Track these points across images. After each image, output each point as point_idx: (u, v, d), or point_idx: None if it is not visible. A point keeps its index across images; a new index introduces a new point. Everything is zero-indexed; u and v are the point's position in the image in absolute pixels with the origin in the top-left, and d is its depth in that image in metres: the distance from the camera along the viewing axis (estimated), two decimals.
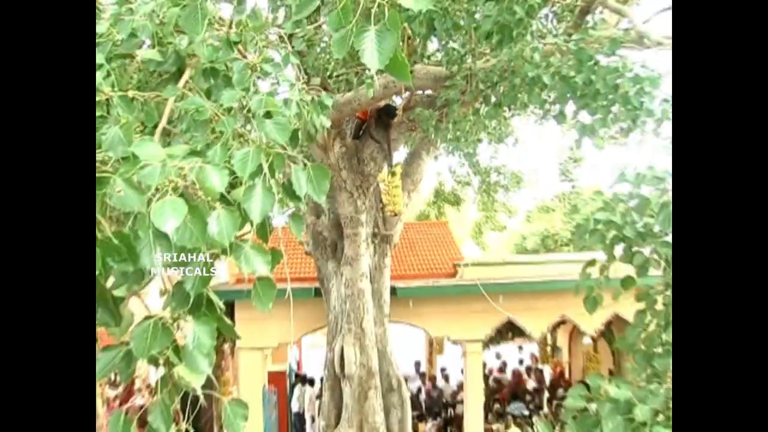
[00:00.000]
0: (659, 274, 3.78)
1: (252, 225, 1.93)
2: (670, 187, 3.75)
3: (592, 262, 3.84)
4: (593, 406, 2.85)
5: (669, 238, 3.78)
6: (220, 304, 1.90)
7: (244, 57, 2.80)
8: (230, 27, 2.68)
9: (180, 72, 2.46)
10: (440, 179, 17.30)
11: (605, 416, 2.59)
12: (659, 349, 2.95)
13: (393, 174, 9.25)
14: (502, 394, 14.57)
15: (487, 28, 4.77)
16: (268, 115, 1.99)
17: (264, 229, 2.31)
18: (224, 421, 1.81)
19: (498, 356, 17.90)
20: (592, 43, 5.32)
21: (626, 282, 3.72)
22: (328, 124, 3.19)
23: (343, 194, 9.39)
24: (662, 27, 6.26)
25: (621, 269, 3.99)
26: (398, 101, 9.42)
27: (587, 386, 3.07)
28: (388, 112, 9.00)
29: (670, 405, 2.53)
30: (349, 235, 9.50)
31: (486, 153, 13.83)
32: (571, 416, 2.93)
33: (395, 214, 9.76)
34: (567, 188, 16.72)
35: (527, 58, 4.95)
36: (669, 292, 3.62)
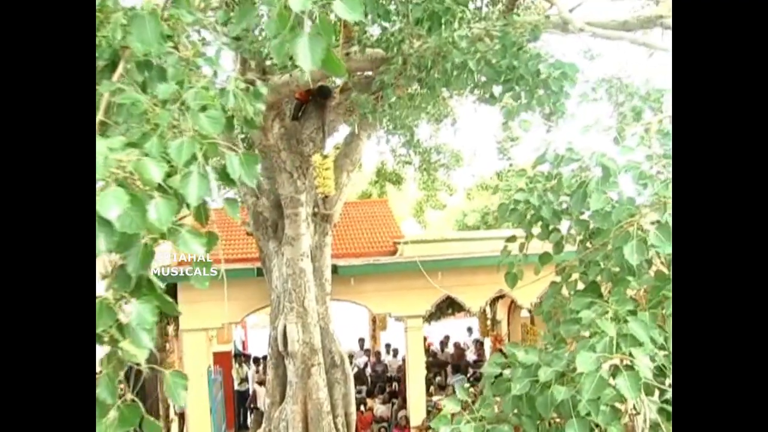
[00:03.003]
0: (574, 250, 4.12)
1: (189, 209, 2.11)
2: (585, 167, 4.06)
3: (511, 239, 4.14)
4: (508, 372, 3.16)
5: (585, 216, 4.11)
6: (159, 284, 2.08)
7: (177, 50, 2.94)
8: (164, 20, 2.80)
9: (114, 64, 2.59)
10: (382, 158, 17.53)
11: (515, 379, 2.90)
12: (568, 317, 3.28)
13: (325, 156, 9.42)
14: (443, 367, 15.08)
15: (417, 15, 5.00)
16: (202, 108, 2.17)
17: (201, 213, 2.49)
18: (166, 391, 2.00)
19: (428, 324, 18.42)
20: (519, 28, 5.60)
21: (543, 258, 4.05)
22: (263, 108, 3.38)
23: (283, 175, 9.51)
24: (585, 14, 6.60)
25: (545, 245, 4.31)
26: (338, 81, 9.58)
27: (505, 355, 3.38)
28: (322, 93, 9.13)
29: (573, 367, 2.85)
30: (290, 215, 9.64)
31: (425, 132, 14.14)
32: (489, 382, 3.24)
33: (326, 196, 9.96)
34: (505, 166, 17.19)
35: (456, 44, 5.20)
36: (582, 267, 3.95)
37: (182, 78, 2.55)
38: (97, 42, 2.65)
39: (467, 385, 12.54)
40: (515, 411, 3.01)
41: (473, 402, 3.36)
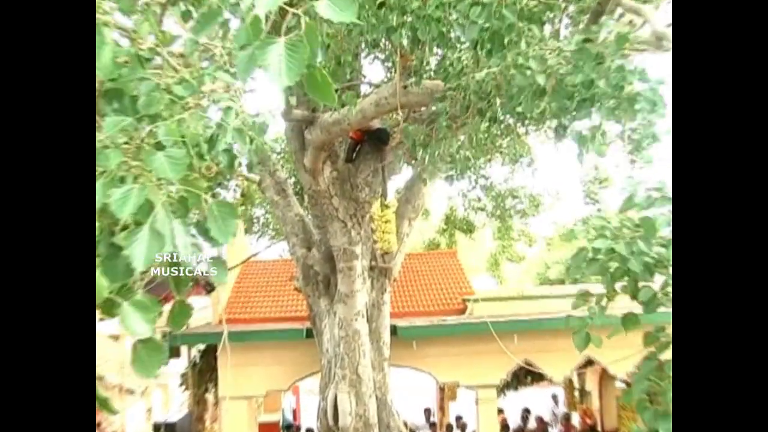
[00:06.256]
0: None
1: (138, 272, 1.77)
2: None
3: (584, 295, 3.62)
4: None
5: None
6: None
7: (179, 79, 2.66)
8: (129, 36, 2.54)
9: None
10: (451, 204, 17.12)
11: None
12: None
13: (385, 206, 9.01)
14: None
15: (473, 36, 4.61)
16: (160, 147, 1.83)
17: (179, 281, 2.14)
18: None
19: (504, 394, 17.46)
20: (599, 45, 5.11)
21: (628, 320, 3.48)
22: (273, 145, 3.10)
23: (336, 224, 9.22)
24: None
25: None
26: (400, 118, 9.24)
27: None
28: (380, 137, 8.75)
29: None
30: (343, 269, 9.30)
31: (500, 174, 13.68)
32: None
33: (386, 253, 9.53)
34: (592, 212, 16.47)
35: (522, 68, 4.76)
36: None
37: (158, 110, 2.23)
38: None
39: None
40: None
41: None
